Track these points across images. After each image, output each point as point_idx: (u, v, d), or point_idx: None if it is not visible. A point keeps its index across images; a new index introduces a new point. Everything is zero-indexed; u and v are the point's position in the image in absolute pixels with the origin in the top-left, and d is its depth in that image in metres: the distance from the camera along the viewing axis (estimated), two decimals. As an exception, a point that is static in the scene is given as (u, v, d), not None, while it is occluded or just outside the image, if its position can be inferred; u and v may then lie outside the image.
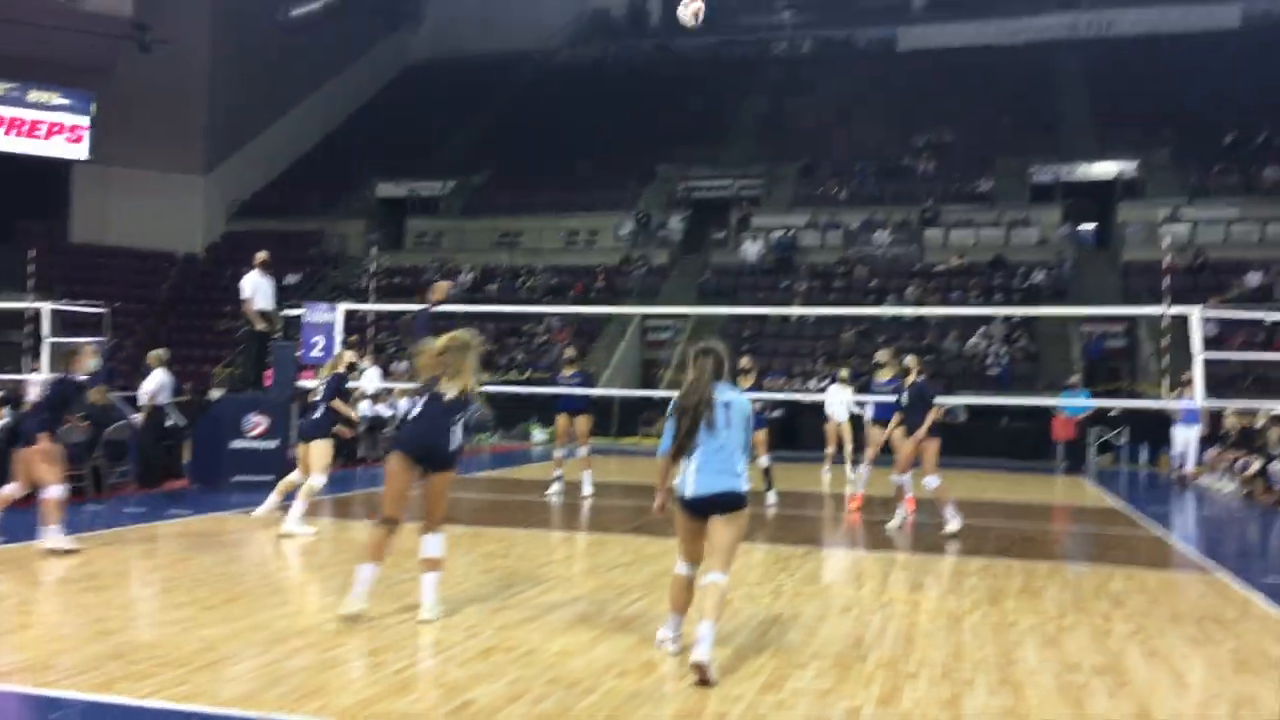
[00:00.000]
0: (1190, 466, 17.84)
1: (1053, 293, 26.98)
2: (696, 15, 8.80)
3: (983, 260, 28.50)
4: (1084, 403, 19.44)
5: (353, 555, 8.44)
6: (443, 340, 6.45)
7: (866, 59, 41.51)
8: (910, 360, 10.86)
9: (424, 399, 6.42)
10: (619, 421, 24.13)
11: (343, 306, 14.65)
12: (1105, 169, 32.06)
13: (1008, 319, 25.63)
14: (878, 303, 27.09)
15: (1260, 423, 16.30)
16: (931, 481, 10.39)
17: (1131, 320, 25.23)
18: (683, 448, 5.50)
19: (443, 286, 7.79)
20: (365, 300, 26.05)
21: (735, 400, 5.60)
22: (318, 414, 9.80)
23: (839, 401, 16.26)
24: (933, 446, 10.42)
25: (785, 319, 27.65)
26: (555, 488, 13.05)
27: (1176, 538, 11.11)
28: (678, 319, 28.06)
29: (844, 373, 17.24)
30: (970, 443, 20.95)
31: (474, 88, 42.68)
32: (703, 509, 5.52)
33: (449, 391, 6.38)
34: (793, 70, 41.65)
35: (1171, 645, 6.17)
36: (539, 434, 24.63)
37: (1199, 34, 37.84)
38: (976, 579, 8.16)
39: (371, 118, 42.33)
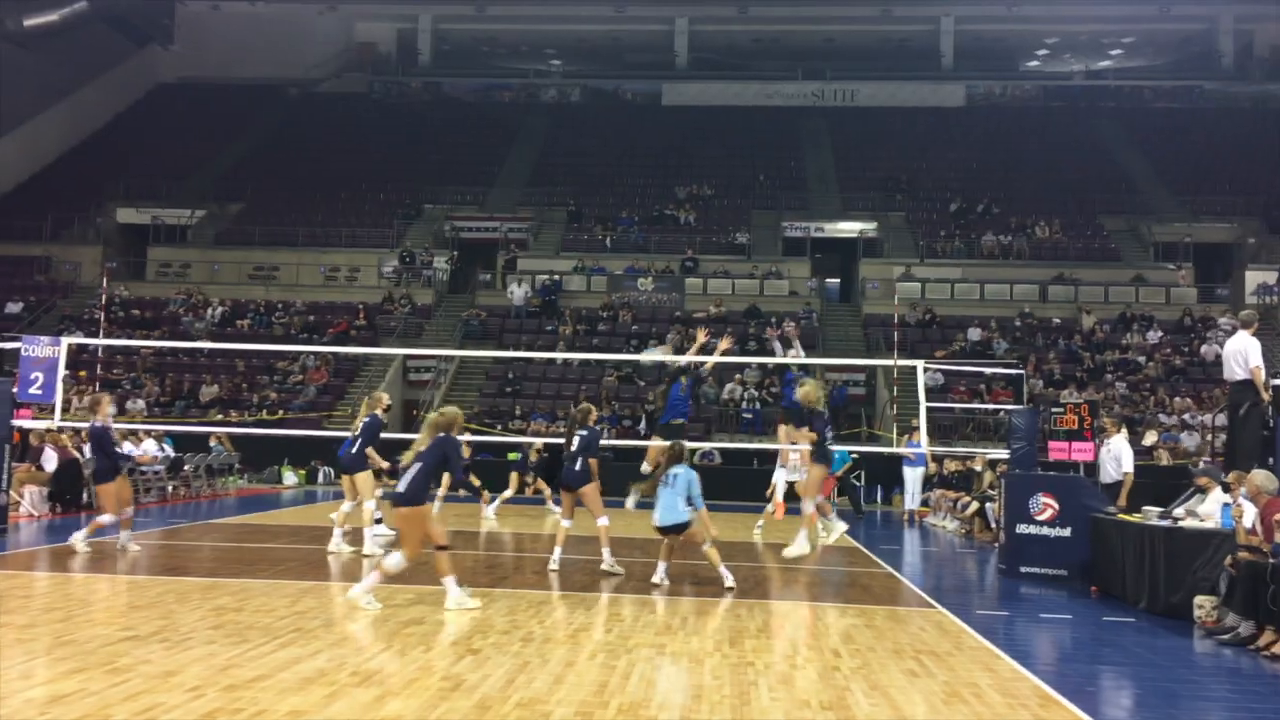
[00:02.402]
0: (915, 505, 19.27)
1: (802, 341, 28.49)
2: None
3: (738, 309, 29.80)
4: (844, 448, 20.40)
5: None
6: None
7: (633, 111, 42.78)
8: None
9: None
10: (376, 464, 23.37)
11: (67, 340, 13.47)
12: (849, 227, 34.38)
13: (760, 366, 26.85)
14: (640, 348, 27.76)
15: (978, 466, 17.79)
16: (601, 521, 10.74)
17: (870, 369, 27.02)
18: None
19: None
20: (98, 333, 24.17)
21: (680, 472, 9.77)
22: (355, 449, 11.62)
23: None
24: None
25: (550, 362, 27.84)
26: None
27: (904, 575, 11.90)
28: (441, 360, 27.67)
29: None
30: (724, 485, 21.67)
31: (229, 113, 40.81)
32: (663, 532, 9.89)
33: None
34: (561, 117, 42.34)
35: (892, 679, 6.57)
36: (291, 477, 23.56)
37: (929, 109, 41.41)
38: (721, 620, 8.43)
39: (113, 139, 39.63)
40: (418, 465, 8.25)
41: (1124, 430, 13.47)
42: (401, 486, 8.22)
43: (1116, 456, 12.62)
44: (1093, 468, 13.16)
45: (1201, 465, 11.72)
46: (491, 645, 7.11)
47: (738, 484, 22.09)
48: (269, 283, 31.99)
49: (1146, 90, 42.90)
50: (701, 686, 6.20)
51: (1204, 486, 10.25)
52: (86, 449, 16.39)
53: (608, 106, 43.50)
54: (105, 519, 11.12)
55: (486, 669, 6.41)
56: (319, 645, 6.95)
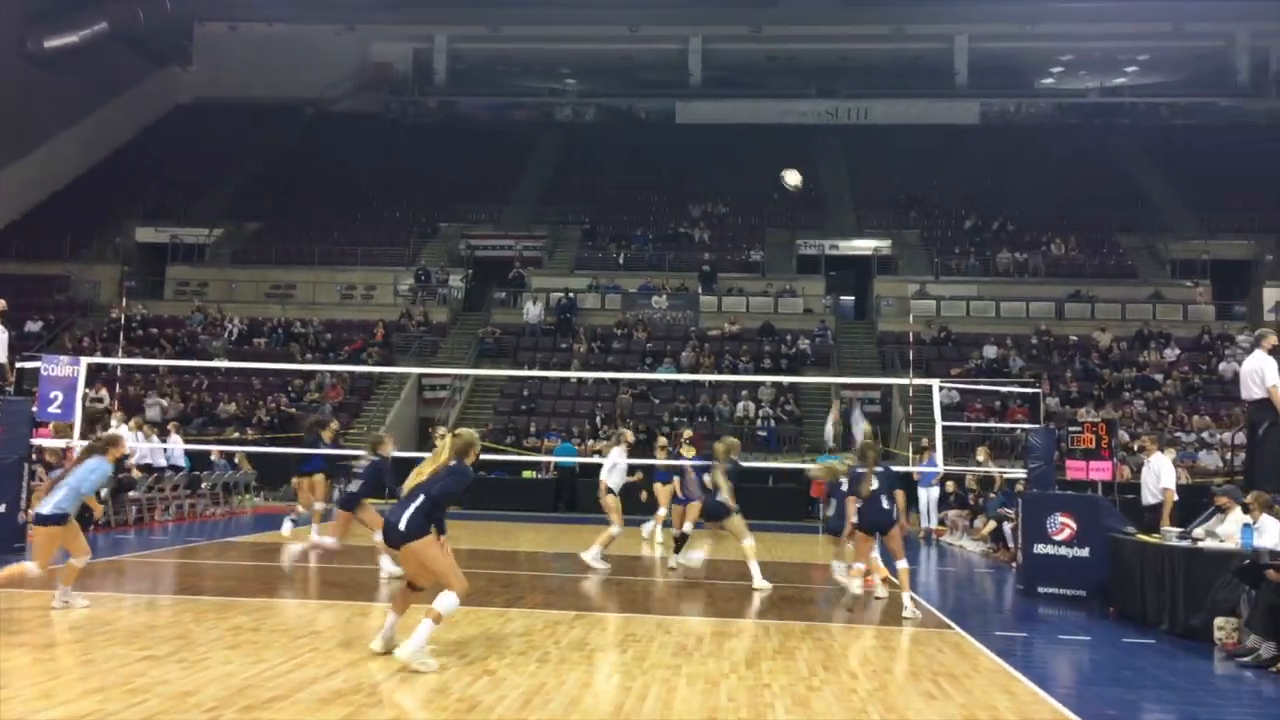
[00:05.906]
0: (933, 524, 19.19)
1: (816, 359, 28.51)
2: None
3: (753, 327, 29.79)
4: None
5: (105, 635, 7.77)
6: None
7: (647, 129, 42.93)
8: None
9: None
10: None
11: (86, 359, 13.57)
12: (863, 245, 34.38)
13: (775, 384, 26.83)
14: (655, 366, 27.78)
15: (996, 486, 17.70)
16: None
17: (885, 387, 26.94)
18: None
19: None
20: (116, 352, 24.33)
21: None
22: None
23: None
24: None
25: (565, 380, 27.87)
26: None
27: (920, 595, 11.82)
28: (456, 378, 27.73)
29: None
30: (740, 503, 21.60)
31: (246, 133, 41.12)
32: None
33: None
34: (576, 136, 42.52)
35: (909, 702, 6.54)
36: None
37: (943, 126, 41.40)
38: (737, 641, 8.40)
39: (132, 159, 40.00)
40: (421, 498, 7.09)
41: (1164, 450, 13.30)
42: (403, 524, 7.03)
43: (1157, 474, 12.46)
44: (1110, 487, 13.06)
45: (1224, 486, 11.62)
46: (508, 666, 7.10)
47: (757, 502, 22.00)
48: (286, 301, 32.16)
49: (1163, 107, 42.80)
50: (717, 708, 6.18)
51: (1224, 506, 10.15)
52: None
53: (622, 125, 43.66)
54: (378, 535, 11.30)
55: (503, 690, 6.40)
56: (335, 665, 6.96)
